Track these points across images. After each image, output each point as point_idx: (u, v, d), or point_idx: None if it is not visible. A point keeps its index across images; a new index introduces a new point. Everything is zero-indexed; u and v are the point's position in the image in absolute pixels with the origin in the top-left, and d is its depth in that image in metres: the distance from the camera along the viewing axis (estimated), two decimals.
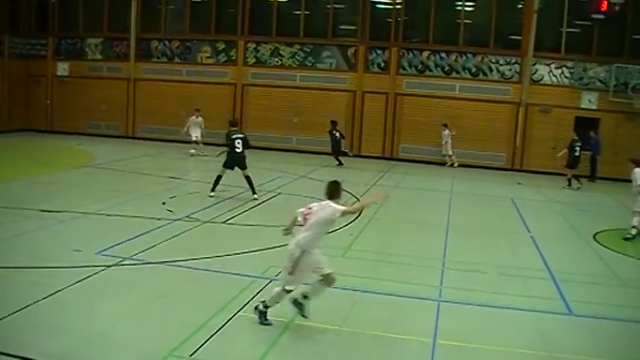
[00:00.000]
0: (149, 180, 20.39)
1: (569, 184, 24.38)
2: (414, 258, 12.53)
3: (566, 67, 28.47)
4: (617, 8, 27.06)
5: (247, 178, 17.71)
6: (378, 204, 7.32)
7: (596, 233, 16.00)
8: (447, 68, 29.63)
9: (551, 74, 28.65)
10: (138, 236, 12.72)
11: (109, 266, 10.64)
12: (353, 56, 30.48)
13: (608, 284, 11.77)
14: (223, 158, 17.95)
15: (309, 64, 30.98)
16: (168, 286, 9.97)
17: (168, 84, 32.38)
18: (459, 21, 29.74)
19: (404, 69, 30.07)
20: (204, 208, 15.94)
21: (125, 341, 7.82)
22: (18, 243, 11.94)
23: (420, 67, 29.92)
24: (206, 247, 12.32)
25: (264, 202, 17.32)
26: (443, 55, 29.66)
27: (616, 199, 22.21)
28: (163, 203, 16.27)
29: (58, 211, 14.52)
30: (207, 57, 32.29)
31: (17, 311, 8.39)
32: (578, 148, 24.63)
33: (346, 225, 14.95)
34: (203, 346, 7.68)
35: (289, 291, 8.39)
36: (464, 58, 29.45)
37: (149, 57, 33.09)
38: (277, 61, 31.38)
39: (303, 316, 8.42)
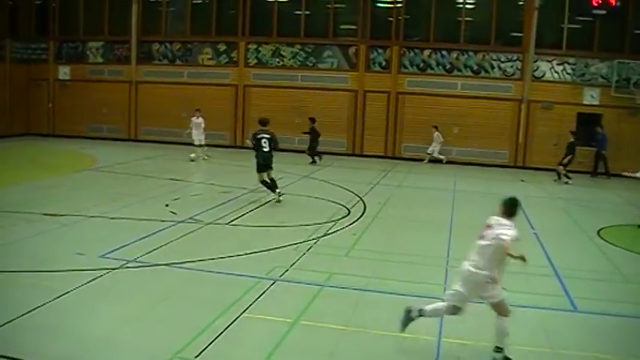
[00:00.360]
0: (152, 182, 20.39)
1: (559, 178, 24.90)
2: (418, 257, 12.50)
3: (568, 64, 28.43)
4: (618, 4, 27.06)
5: (271, 180, 17.36)
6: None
7: (599, 229, 15.95)
8: (448, 66, 29.60)
9: (552, 71, 28.61)
10: (141, 239, 12.71)
11: (112, 269, 10.63)
12: (354, 55, 30.48)
13: (612, 280, 11.75)
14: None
15: (311, 64, 30.98)
16: (172, 288, 9.96)
17: (169, 86, 32.42)
18: (460, 19, 29.73)
19: (405, 68, 30.05)
20: (208, 210, 15.93)
21: (129, 344, 7.81)
22: (20, 247, 11.94)
23: (421, 65, 29.90)
24: (210, 249, 12.30)
25: (267, 202, 17.28)
26: (444, 53, 29.63)
27: (619, 196, 22.19)
28: (166, 205, 16.26)
29: (60, 215, 14.51)
30: (209, 58, 32.31)
31: (20, 315, 8.38)
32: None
33: (350, 224, 14.97)
34: (207, 348, 7.67)
35: (456, 309, 8.07)
36: (465, 55, 29.42)
37: (150, 59, 33.11)
38: (278, 62, 31.38)
39: (403, 327, 8.15)
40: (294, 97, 30.76)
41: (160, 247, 12.20)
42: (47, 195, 17.19)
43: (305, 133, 27.55)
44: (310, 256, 12.10)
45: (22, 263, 10.69)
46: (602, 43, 28.30)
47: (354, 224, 15.07)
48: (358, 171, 25.57)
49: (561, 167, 24.89)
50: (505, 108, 29.00)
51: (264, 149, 17.09)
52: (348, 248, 12.87)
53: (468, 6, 29.90)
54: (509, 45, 29.32)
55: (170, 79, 32.51)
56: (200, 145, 26.10)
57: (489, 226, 8.11)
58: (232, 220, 14.93)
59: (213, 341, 7.86)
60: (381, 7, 30.89)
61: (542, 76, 28.72)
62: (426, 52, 29.83)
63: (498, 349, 7.75)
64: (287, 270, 11.02)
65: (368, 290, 10.17)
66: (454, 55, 29.52)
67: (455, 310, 7.97)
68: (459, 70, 29.52)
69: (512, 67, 29.07)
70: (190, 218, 14.87)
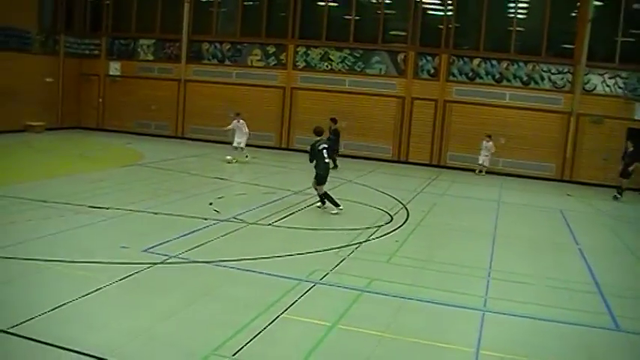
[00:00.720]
0: (196, 180, 20.57)
1: (621, 195, 24.11)
2: (460, 267, 12.40)
3: (620, 77, 27.94)
4: None
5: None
6: None
7: None
8: (497, 76, 29.32)
9: (604, 84, 28.14)
10: (184, 235, 12.83)
11: (154, 264, 10.75)
12: (403, 62, 30.37)
13: None
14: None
15: (359, 69, 30.95)
16: (213, 285, 10.03)
17: (217, 86, 32.70)
18: (511, 28, 29.42)
19: (454, 76, 29.86)
20: (251, 210, 16.01)
21: (167, 338, 7.89)
22: (65, 238, 12.15)
23: (470, 74, 29.67)
24: (251, 249, 12.37)
25: (310, 205, 17.30)
26: (493, 62, 29.36)
27: None
28: (210, 203, 16.39)
29: (106, 208, 14.73)
30: (258, 60, 32.48)
31: (63, 304, 8.54)
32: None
33: (392, 231, 14.92)
34: (245, 347, 7.71)
35: None
36: (515, 66, 29.11)
37: (200, 59, 33.42)
38: (327, 66, 31.42)
39: None
40: (341, 102, 30.75)
41: (203, 244, 12.31)
42: (94, 188, 17.44)
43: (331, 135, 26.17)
44: (351, 261, 12.09)
45: (67, 254, 10.86)
46: None
47: (397, 231, 15.01)
48: (402, 178, 25.48)
49: (624, 180, 24.28)
50: (554, 120, 28.61)
51: (326, 160, 16.68)
52: (390, 255, 12.82)
53: (519, 16, 29.59)
54: (560, 56, 28.92)
55: (218, 79, 32.79)
56: (236, 148, 25.58)
57: None
58: (275, 221, 14.98)
59: (250, 340, 7.90)
60: (431, 14, 30.72)
61: (593, 89, 28.26)
62: (476, 61, 29.60)
63: None
64: (327, 273, 11.02)
65: (407, 298, 10.12)
66: (504, 65, 29.24)
67: None
68: (508, 81, 29.22)
69: (562, 79, 28.68)
70: (233, 217, 14.97)
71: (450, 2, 29.86)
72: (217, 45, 33.09)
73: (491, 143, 27.84)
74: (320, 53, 31.45)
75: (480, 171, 28.39)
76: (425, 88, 30.00)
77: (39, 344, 7.32)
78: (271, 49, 32.21)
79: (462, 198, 21.95)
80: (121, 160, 24.45)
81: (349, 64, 31.03)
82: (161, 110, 33.76)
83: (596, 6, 27.90)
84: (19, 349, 7.28)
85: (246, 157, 25.70)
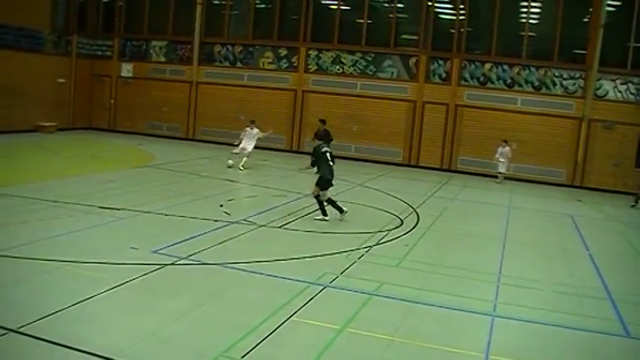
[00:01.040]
0: (207, 182, 20.62)
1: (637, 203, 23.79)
2: (469, 271, 12.37)
3: (632, 84, 27.84)
4: None
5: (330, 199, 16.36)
6: None
7: None
8: (509, 81, 29.27)
9: (616, 90, 28.04)
10: (194, 237, 12.86)
11: (164, 265, 10.78)
12: (414, 66, 30.37)
13: None
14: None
15: (370, 73, 30.96)
16: (222, 287, 10.04)
17: (229, 88, 32.81)
18: (523, 33, 29.39)
19: (465, 80, 29.83)
20: (261, 212, 16.03)
21: (176, 340, 7.89)
22: (75, 238, 12.19)
23: (481, 79, 29.64)
24: (262, 251, 12.38)
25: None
26: (505, 67, 29.32)
27: None
28: (221, 205, 16.41)
29: (116, 209, 14.78)
30: (269, 62, 32.54)
31: (71, 304, 8.56)
32: None
33: (402, 235, 14.91)
34: (254, 350, 7.70)
35: None
36: (526, 71, 29.06)
37: (212, 61, 33.51)
38: (338, 69, 31.45)
39: None
40: (353, 105, 30.80)
41: (212, 246, 12.33)
42: (105, 188, 17.51)
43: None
44: (361, 265, 12.09)
45: (76, 254, 10.89)
46: None
47: (407, 235, 15.00)
48: (413, 182, 25.46)
49: None
50: (565, 126, 28.53)
51: (330, 163, 15.95)
52: (400, 259, 12.81)
53: (531, 21, 29.55)
54: (572, 62, 28.85)
55: (230, 81, 32.89)
56: (239, 154, 24.38)
57: None
58: (285, 224, 14.98)
59: (259, 343, 7.90)
60: (443, 18, 30.71)
61: (605, 95, 28.17)
62: (487, 66, 29.56)
63: None
64: (337, 277, 11.02)
65: (417, 302, 10.10)
66: (515, 69, 29.19)
67: None
68: (520, 86, 29.16)
69: (574, 84, 28.60)
70: (244, 220, 14.99)
71: (462, 7, 29.86)
72: (229, 47, 33.19)
73: (507, 148, 27.24)
74: (332, 56, 31.48)
75: (497, 178, 27.72)
76: (436, 92, 29.99)
77: (47, 344, 7.34)
78: (283, 52, 32.27)
79: (473, 203, 21.92)
80: (132, 162, 24.55)
81: (361, 67, 31.05)
82: (173, 112, 33.87)
83: (608, 11, 27.84)
84: (28, 348, 7.29)
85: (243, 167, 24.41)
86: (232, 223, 14.59)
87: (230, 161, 24.44)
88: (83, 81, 34.56)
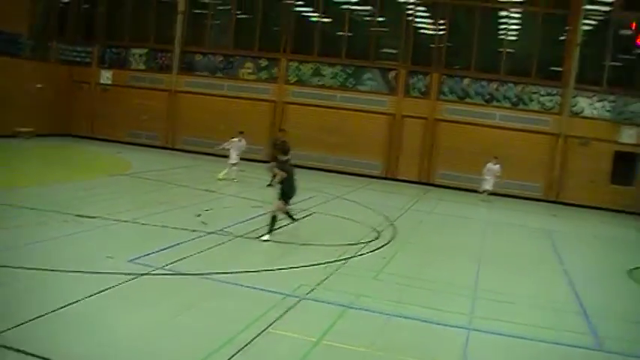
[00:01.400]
0: (185, 192, 20.55)
1: None
2: (446, 285, 12.43)
3: (608, 101, 28.19)
4: None
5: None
6: None
7: (631, 269, 15.76)
8: (487, 96, 29.51)
9: (591, 107, 28.39)
10: (171, 247, 12.81)
11: (140, 275, 10.72)
12: (394, 80, 30.52)
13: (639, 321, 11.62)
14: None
15: (350, 86, 31.08)
16: (198, 298, 10.01)
17: (209, 98, 32.73)
18: (501, 50, 29.68)
19: (444, 95, 30.03)
20: (239, 223, 16.00)
21: (152, 350, 7.86)
22: (51, 246, 12.09)
23: (460, 93, 29.85)
24: (238, 262, 12.37)
25: (299, 220, 17.25)
26: (484, 83, 29.57)
27: None
28: (198, 215, 16.37)
29: (93, 217, 14.68)
30: (249, 73, 32.56)
31: (46, 313, 8.48)
32: None
33: (379, 247, 14.94)
34: None
35: None
36: (505, 86, 29.32)
37: (192, 70, 33.47)
38: (318, 81, 31.53)
39: None
40: (332, 117, 30.86)
41: (189, 256, 12.29)
42: (82, 196, 17.40)
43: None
44: (338, 277, 12.10)
45: (51, 262, 10.80)
46: None
47: (384, 248, 15.04)
48: (390, 195, 25.57)
49: None
50: (542, 142, 28.81)
51: (294, 177, 15.53)
52: (377, 271, 12.83)
53: (509, 38, 29.87)
54: (550, 79, 29.18)
55: (210, 91, 32.84)
56: (233, 165, 24.16)
57: None
58: (262, 235, 14.95)
59: (235, 354, 7.88)
60: (423, 33, 30.91)
61: (581, 111, 28.51)
62: (466, 81, 29.80)
63: None
64: (313, 289, 11.02)
65: (394, 315, 10.12)
66: (494, 85, 29.44)
67: None
68: (498, 101, 29.41)
69: (551, 101, 28.90)
70: (221, 230, 14.95)
71: (441, 22, 30.07)
72: (210, 57, 33.17)
73: (498, 166, 26.39)
74: (312, 68, 31.56)
75: (481, 193, 26.87)
76: (415, 106, 30.17)
77: (17, 353, 7.25)
78: (263, 63, 32.32)
79: (450, 216, 22.04)
80: (110, 170, 24.42)
81: (341, 80, 31.16)
82: (152, 120, 33.71)
83: (584, 30, 28.22)
84: None
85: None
86: (209, 233, 14.54)
87: (222, 174, 23.73)
88: (62, 87, 34.35)
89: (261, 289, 10.65)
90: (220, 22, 34.03)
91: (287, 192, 15.32)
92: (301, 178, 16.45)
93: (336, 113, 30.95)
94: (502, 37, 29.85)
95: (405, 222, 18.98)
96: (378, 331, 9.33)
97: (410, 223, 18.91)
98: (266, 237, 14.67)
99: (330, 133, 30.24)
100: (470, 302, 11.41)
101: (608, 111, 28.26)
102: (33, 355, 7.22)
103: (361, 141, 30.14)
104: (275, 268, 12.17)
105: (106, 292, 9.65)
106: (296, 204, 17.59)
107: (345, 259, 13.52)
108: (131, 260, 11.47)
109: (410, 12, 30.61)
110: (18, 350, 7.30)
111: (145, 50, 34.32)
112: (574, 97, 28.46)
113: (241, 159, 24.75)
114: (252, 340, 8.36)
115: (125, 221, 14.78)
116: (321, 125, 30.55)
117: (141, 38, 34.36)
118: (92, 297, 9.34)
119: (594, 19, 28.81)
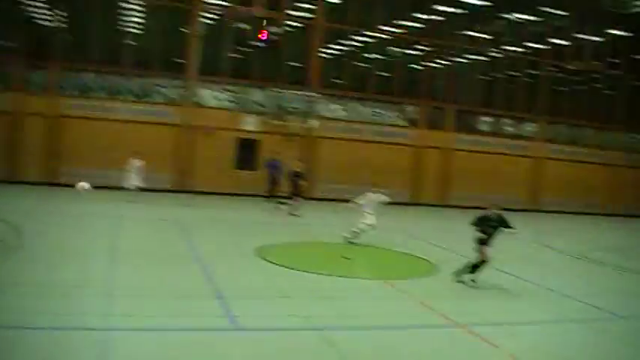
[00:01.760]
0: None
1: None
2: (80, 288, 11.75)
3: (230, 91, 29.46)
4: (275, 38, 29.03)
5: None
6: None
7: (256, 248, 16.61)
8: (111, 90, 28.91)
9: (215, 97, 29.45)
10: None
11: None
12: None
13: (272, 296, 12.28)
14: None
15: None
16: None
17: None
18: (125, 42, 29.50)
19: (65, 90, 28.60)
20: None
21: None
22: None
23: (83, 88, 28.73)
24: None
25: None
26: (107, 76, 28.97)
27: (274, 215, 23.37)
28: None
29: None
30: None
31: None
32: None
33: None
34: None
35: None
36: (129, 80, 29.07)
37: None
38: None
39: None
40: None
41: None
42: None
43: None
44: None
45: None
46: (260, 72, 30.12)
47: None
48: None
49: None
50: (169, 133, 29.04)
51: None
52: None
53: (132, 30, 29.74)
54: (173, 71, 29.64)
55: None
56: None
57: None
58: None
59: None
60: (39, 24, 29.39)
61: (205, 102, 29.43)
62: (90, 75, 28.87)
63: None
64: None
65: (22, 327, 9.29)
66: (118, 78, 29.01)
67: None
68: (123, 94, 29.02)
69: (175, 92, 29.36)
70: None
71: (61, 12, 28.84)
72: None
73: (139, 161, 24.99)
74: None
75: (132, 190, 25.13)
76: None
77: None
78: None
79: (74, 217, 20.69)
80: None
81: None
82: None
83: (206, 24, 29.16)
84: None
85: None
86: None
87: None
88: None
89: None
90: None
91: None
92: None
93: None
94: (125, 29, 29.59)
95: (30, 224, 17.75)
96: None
97: (39, 226, 17.68)
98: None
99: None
100: (108, 302, 10.97)
101: (231, 101, 29.55)
102: None
103: None
104: None
105: None
106: None
107: None
108: None
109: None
110: None
111: None
112: (197, 88, 29.22)
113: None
114: None
115: None
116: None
117: None
118: None
119: (214, 13, 29.87)
